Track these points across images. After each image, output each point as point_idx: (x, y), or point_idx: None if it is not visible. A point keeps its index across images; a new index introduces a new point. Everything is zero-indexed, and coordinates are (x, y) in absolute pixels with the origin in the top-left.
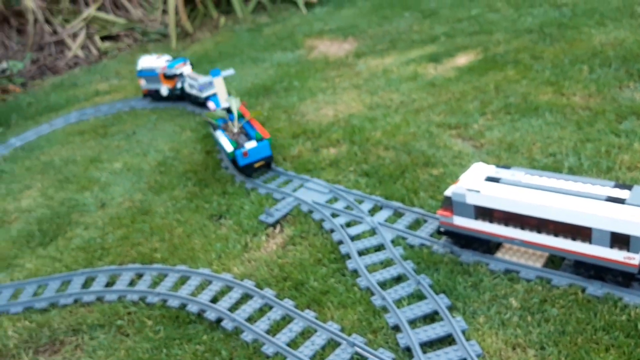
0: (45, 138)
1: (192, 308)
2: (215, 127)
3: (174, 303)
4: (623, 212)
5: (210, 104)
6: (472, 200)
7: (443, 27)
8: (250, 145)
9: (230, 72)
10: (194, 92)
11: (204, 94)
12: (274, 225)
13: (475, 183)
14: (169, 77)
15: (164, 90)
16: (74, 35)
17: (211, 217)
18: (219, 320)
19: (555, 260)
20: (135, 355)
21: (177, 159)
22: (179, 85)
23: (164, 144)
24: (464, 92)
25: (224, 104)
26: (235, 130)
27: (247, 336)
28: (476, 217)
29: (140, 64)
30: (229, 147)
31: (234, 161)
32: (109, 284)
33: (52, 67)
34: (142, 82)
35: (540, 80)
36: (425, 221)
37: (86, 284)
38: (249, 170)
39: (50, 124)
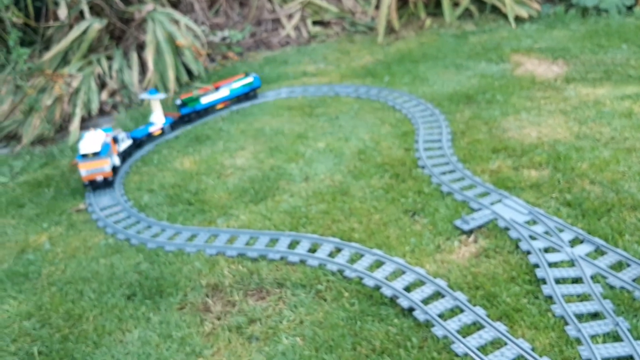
0: (258, 107)
1: (386, 291)
2: None
3: (369, 282)
4: None
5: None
6: None
7: None
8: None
9: (163, 96)
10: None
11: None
12: (468, 233)
13: None
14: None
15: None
16: (289, 16)
17: (406, 212)
18: (410, 310)
19: None
20: (332, 320)
21: (376, 150)
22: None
23: (364, 133)
24: None
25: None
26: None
27: (437, 331)
28: None
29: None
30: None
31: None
32: (311, 250)
33: (267, 42)
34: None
35: None
36: (628, 265)
37: (291, 245)
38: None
39: (262, 95)
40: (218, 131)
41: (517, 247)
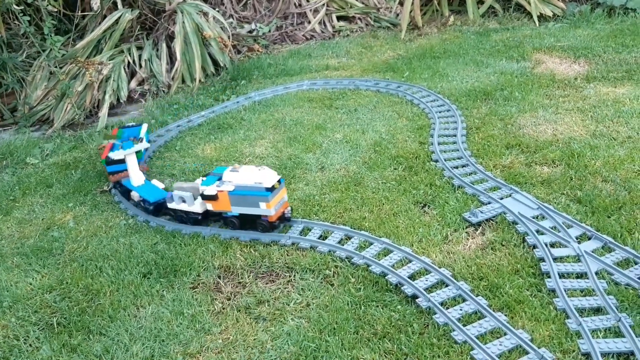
0: (279, 98)
1: (392, 279)
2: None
3: (376, 269)
4: None
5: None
6: None
7: None
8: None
9: (146, 145)
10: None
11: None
12: (476, 225)
13: None
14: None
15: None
16: (315, 11)
17: (417, 203)
18: (414, 297)
19: None
20: (338, 304)
21: (392, 143)
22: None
23: (381, 126)
24: None
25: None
26: None
27: (439, 318)
28: None
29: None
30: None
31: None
32: (322, 237)
33: (292, 36)
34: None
35: None
36: (636, 263)
37: (303, 232)
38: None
39: (285, 86)
40: (240, 120)
41: (524, 241)
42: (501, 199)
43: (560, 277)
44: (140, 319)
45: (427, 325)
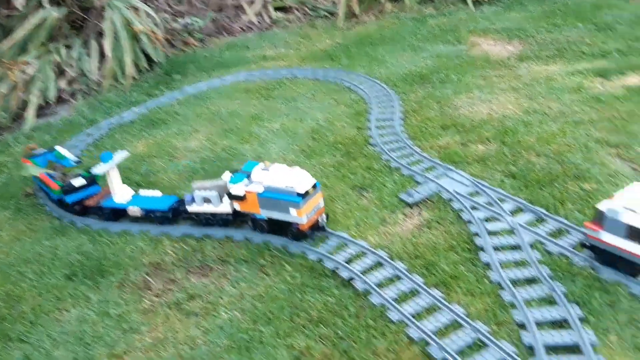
0: (215, 90)
1: (328, 264)
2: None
3: (312, 256)
4: None
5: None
6: (628, 219)
7: (617, 43)
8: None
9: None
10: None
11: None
12: (412, 206)
13: (634, 203)
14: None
15: None
16: (251, 2)
17: (354, 188)
18: (350, 280)
19: None
20: (273, 293)
21: (330, 130)
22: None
23: (319, 113)
24: (631, 112)
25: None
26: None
27: (374, 299)
28: (627, 237)
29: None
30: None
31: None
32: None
33: (228, 28)
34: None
35: None
36: (568, 232)
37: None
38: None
39: (221, 78)
40: (173, 115)
41: (459, 217)
42: (437, 178)
43: (494, 251)
44: (64, 322)
45: (364, 308)
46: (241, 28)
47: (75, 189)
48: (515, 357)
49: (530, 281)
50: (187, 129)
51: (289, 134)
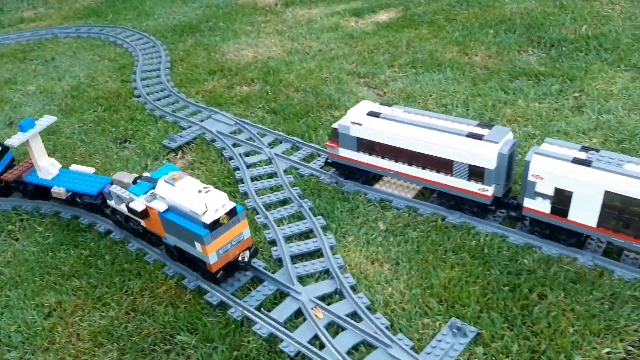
0: None
1: (84, 220)
2: None
3: (66, 215)
4: (479, 146)
5: None
6: (355, 132)
7: None
8: None
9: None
10: None
11: None
12: (176, 150)
13: (359, 117)
14: None
15: None
16: None
17: (115, 140)
18: (107, 233)
19: (425, 193)
20: (22, 256)
21: (91, 86)
22: None
23: (81, 70)
24: (378, 45)
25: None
26: None
27: (132, 246)
28: (358, 149)
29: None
30: None
31: None
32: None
33: None
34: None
35: (448, 39)
36: (319, 155)
37: None
38: None
39: None
40: None
41: (222, 155)
42: (201, 121)
43: (252, 181)
44: None
45: (119, 254)
46: None
47: None
48: (265, 271)
49: (283, 202)
50: None
51: (46, 94)
